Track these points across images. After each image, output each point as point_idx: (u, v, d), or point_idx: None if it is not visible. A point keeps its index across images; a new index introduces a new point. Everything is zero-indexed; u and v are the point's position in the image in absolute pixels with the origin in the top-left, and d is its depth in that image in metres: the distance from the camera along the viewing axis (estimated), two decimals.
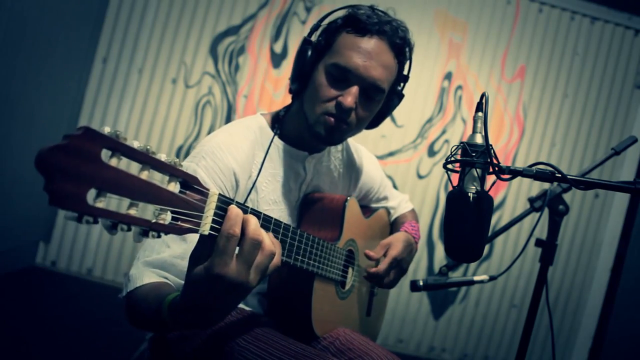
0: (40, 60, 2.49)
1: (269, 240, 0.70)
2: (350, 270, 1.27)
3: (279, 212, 1.15)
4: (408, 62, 1.16)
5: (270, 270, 0.71)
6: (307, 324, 1.09)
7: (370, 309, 1.42)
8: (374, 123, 1.19)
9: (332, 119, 1.06)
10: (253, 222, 0.68)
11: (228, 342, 1.01)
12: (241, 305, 1.16)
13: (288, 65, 3.02)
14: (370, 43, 1.05)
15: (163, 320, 0.75)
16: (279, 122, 1.15)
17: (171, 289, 0.87)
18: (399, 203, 1.55)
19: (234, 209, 0.67)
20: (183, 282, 0.90)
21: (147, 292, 0.85)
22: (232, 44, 3.03)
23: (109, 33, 2.98)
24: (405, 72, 1.17)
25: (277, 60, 3.04)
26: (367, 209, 1.43)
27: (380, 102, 1.13)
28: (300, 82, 1.09)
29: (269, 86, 3.04)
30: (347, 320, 1.27)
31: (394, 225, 1.53)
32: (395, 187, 2.72)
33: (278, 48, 3.05)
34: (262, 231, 0.69)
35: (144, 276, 0.89)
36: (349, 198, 1.22)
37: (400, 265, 1.30)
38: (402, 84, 1.18)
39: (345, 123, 1.08)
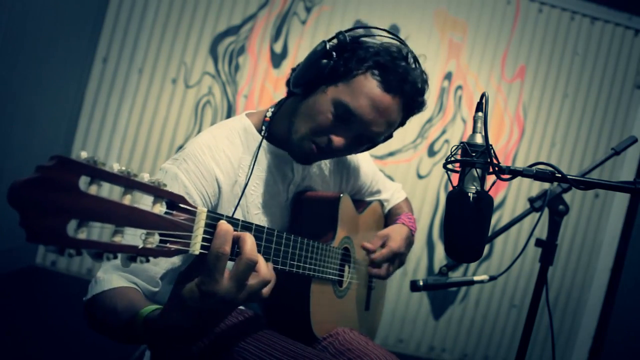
0: (40, 60, 2.49)
1: (264, 265, 0.70)
2: (346, 267, 1.27)
3: (268, 215, 1.14)
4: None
5: (263, 295, 0.71)
6: (306, 327, 1.09)
7: (369, 303, 1.42)
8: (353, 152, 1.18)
9: (315, 148, 1.05)
10: (249, 242, 0.67)
11: (228, 343, 1.01)
12: (241, 307, 1.16)
13: (288, 65, 3.02)
14: (387, 100, 1.02)
15: (135, 334, 0.74)
16: (267, 124, 1.12)
17: (142, 298, 0.86)
18: (392, 194, 1.54)
19: (223, 225, 0.65)
20: (152, 287, 0.91)
21: (115, 299, 0.84)
22: (232, 44, 3.03)
23: (109, 33, 2.98)
24: (404, 122, 1.14)
25: (277, 60, 3.04)
26: (360, 203, 1.43)
27: (366, 147, 1.14)
28: (304, 89, 1.06)
29: (269, 86, 3.04)
30: (346, 318, 1.27)
31: (388, 217, 1.53)
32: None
33: (278, 48, 3.05)
34: (255, 251, 0.68)
35: (112, 280, 0.88)
36: (341, 195, 1.21)
37: (399, 258, 1.30)
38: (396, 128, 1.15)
39: (325, 155, 1.08)
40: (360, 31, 1.07)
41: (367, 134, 1.05)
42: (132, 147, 3.00)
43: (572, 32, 3.19)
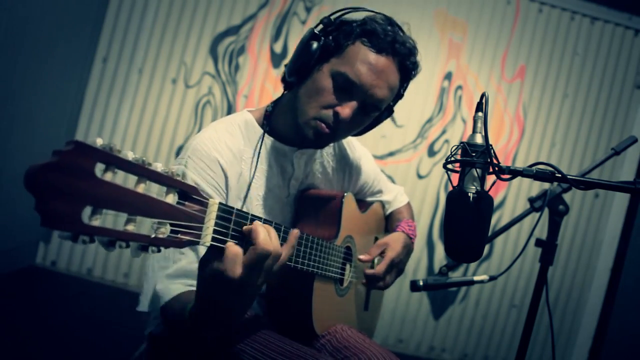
0: (40, 60, 2.49)
1: (276, 247, 0.72)
2: (348, 266, 1.28)
3: (267, 207, 1.14)
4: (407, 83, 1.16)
5: (276, 269, 0.74)
6: (308, 324, 1.10)
7: (368, 303, 1.43)
8: (359, 132, 1.20)
9: (325, 126, 1.05)
10: (262, 233, 0.69)
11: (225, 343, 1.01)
12: None
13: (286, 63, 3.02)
14: (382, 61, 1.04)
15: (188, 327, 0.78)
16: (267, 118, 1.14)
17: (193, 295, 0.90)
18: (395, 197, 1.54)
19: (231, 248, 0.68)
20: None
21: (175, 306, 0.89)
22: (232, 44, 3.03)
23: (109, 33, 2.98)
24: (402, 91, 1.16)
25: (277, 60, 3.04)
26: (362, 203, 1.43)
27: (373, 117, 1.14)
28: (299, 76, 1.07)
29: (269, 86, 3.04)
30: (345, 316, 1.27)
31: (389, 220, 1.53)
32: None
33: (278, 48, 3.05)
34: (269, 242, 0.70)
35: (170, 289, 0.92)
36: (345, 194, 1.22)
37: (397, 267, 1.30)
38: (395, 100, 1.17)
39: (335, 132, 1.07)
40: (344, 11, 1.09)
41: (371, 100, 1.06)
42: (132, 147, 3.00)
43: (572, 32, 3.19)
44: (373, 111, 1.10)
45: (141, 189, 0.55)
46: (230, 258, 0.67)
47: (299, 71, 1.06)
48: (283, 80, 1.12)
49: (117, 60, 2.98)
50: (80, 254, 2.98)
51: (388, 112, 1.19)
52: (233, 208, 0.69)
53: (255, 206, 1.12)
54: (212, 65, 3.02)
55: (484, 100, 0.81)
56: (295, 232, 0.79)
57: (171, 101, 3.01)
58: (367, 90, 1.04)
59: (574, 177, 0.82)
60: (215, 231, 0.66)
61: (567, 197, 1.49)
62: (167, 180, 0.59)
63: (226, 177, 1.05)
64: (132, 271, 3.00)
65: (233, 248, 0.68)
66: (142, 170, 0.55)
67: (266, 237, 0.69)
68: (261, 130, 1.13)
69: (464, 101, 3.15)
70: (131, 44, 2.99)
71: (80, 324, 2.32)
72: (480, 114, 0.81)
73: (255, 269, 0.69)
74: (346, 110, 1.04)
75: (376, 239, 1.47)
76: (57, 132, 2.83)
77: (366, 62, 1.03)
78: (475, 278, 1.23)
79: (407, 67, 1.10)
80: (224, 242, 0.68)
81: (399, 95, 1.16)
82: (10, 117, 2.36)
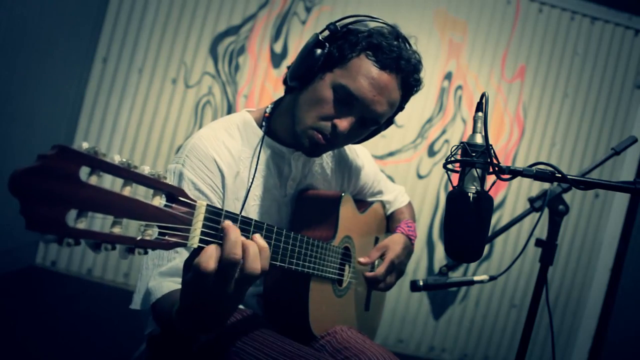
0: (40, 60, 2.49)
1: (252, 253, 0.68)
2: (346, 267, 1.27)
3: (266, 208, 1.14)
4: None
5: (252, 279, 0.69)
6: (304, 325, 1.09)
7: (369, 303, 1.42)
8: (356, 142, 1.20)
9: (322, 137, 1.04)
10: (232, 237, 0.66)
11: (225, 343, 1.01)
12: (240, 306, 1.16)
13: (288, 65, 3.02)
14: (385, 77, 1.03)
15: (175, 326, 0.77)
16: (266, 120, 1.14)
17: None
18: (395, 197, 1.54)
19: (208, 249, 0.65)
20: None
21: (165, 304, 0.89)
22: (232, 44, 3.03)
23: (109, 33, 2.98)
24: (403, 105, 1.16)
25: (277, 60, 3.04)
26: (362, 203, 1.43)
27: (371, 130, 1.14)
28: (301, 81, 1.06)
29: (269, 86, 3.04)
30: (345, 317, 1.27)
31: (390, 220, 1.53)
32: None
33: (278, 48, 3.05)
34: (241, 248, 0.67)
35: (162, 287, 0.92)
36: (343, 194, 1.21)
37: (398, 268, 1.30)
38: (396, 112, 1.17)
39: (332, 143, 1.07)
40: (351, 19, 1.08)
41: (370, 115, 1.05)
42: (132, 147, 3.00)
43: (572, 32, 3.19)
44: (372, 125, 1.10)
45: (127, 191, 0.55)
46: (208, 254, 0.65)
47: (301, 77, 1.05)
48: (285, 82, 1.11)
49: (117, 60, 2.99)
50: (80, 254, 2.98)
51: (387, 124, 1.18)
52: (222, 210, 0.68)
53: (253, 206, 1.12)
54: (212, 65, 3.02)
55: (484, 100, 0.81)
56: (257, 236, 0.72)
57: (171, 101, 3.01)
58: (368, 106, 1.03)
59: (574, 177, 0.82)
60: (202, 233, 0.65)
61: (567, 197, 1.49)
62: (153, 183, 0.59)
63: (223, 177, 1.05)
64: (132, 271, 3.00)
65: (212, 245, 0.66)
66: (127, 173, 0.55)
67: (237, 242, 0.66)
68: (259, 131, 1.13)
69: (464, 101, 3.15)
70: (131, 44, 2.99)
71: (80, 324, 2.31)
72: (480, 114, 0.81)
73: (227, 274, 0.67)
74: (344, 123, 1.03)
75: (377, 239, 1.46)
76: (57, 132, 2.83)
77: (369, 77, 1.02)
78: (475, 278, 1.23)
79: (410, 84, 1.09)
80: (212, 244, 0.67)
81: (399, 109, 1.16)
82: (10, 117, 2.36)
